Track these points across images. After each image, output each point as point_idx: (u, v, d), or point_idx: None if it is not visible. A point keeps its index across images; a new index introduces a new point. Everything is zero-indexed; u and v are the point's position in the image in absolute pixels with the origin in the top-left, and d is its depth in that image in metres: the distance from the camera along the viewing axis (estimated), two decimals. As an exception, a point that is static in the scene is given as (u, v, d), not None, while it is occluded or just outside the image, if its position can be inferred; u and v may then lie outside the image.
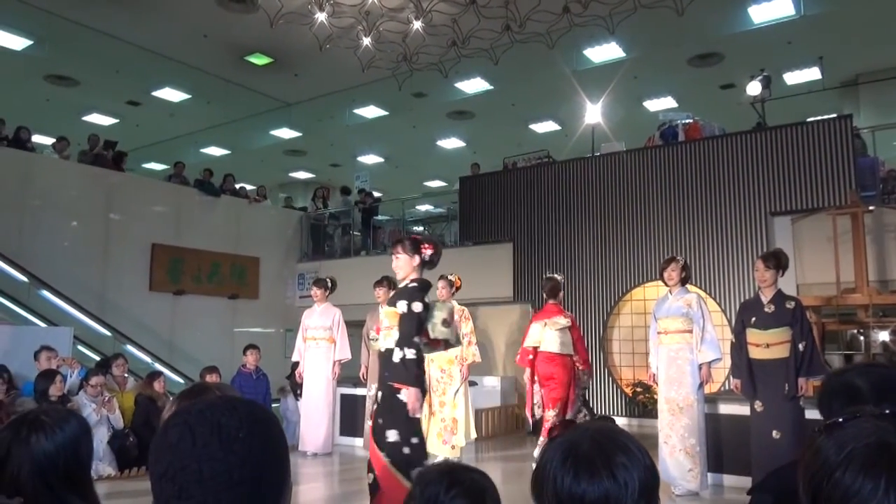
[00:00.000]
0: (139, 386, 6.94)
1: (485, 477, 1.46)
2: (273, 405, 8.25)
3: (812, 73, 11.84)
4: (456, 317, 5.47)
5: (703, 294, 7.73)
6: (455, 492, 1.36)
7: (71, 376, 6.45)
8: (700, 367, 5.24)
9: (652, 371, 5.56)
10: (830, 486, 0.76)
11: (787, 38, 10.79)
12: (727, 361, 5.78)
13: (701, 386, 5.27)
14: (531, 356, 6.42)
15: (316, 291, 7.33)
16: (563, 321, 6.43)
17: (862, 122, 10.30)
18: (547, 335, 6.38)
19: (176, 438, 0.88)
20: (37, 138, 10.92)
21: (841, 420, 0.81)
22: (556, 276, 6.72)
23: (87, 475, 1.61)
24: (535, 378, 6.42)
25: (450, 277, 6.60)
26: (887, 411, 0.82)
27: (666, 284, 5.52)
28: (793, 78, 12.00)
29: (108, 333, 9.68)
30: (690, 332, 5.28)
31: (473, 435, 6.64)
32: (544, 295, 6.77)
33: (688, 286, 5.58)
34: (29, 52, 11.69)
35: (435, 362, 6.52)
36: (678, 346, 5.30)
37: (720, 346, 5.36)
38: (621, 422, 8.91)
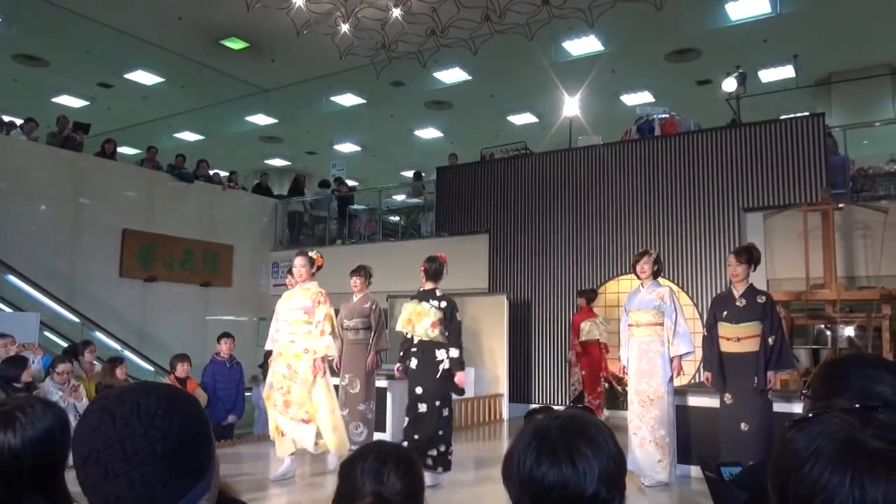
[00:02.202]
0: (100, 374, 6.81)
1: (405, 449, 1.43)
2: (245, 394, 8.18)
3: (786, 72, 12.01)
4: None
5: (675, 287, 7.80)
6: (390, 464, 1.32)
7: (34, 363, 6.33)
8: (672, 359, 5.29)
9: (623, 363, 5.61)
10: (798, 479, 0.77)
11: (762, 35, 10.92)
12: (698, 354, 5.86)
13: (671, 378, 5.33)
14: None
15: (290, 280, 7.26)
16: (602, 319, 8.63)
17: (834, 120, 10.47)
18: (599, 329, 8.47)
19: (97, 422, 0.91)
20: (5, 119, 10.63)
21: (811, 416, 0.82)
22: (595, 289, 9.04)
23: (58, 472, 1.51)
24: (580, 362, 8.44)
25: (311, 255, 5.79)
26: (857, 406, 0.83)
27: (638, 277, 5.57)
28: (768, 76, 12.16)
29: (77, 320, 9.52)
30: (661, 324, 5.33)
31: (347, 446, 5.43)
32: (584, 300, 8.65)
33: (660, 279, 5.63)
34: (-4, 30, 11.39)
35: (282, 356, 5.52)
36: (649, 339, 5.35)
37: (692, 339, 5.43)
38: (593, 413, 8.99)
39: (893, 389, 1.29)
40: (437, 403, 5.10)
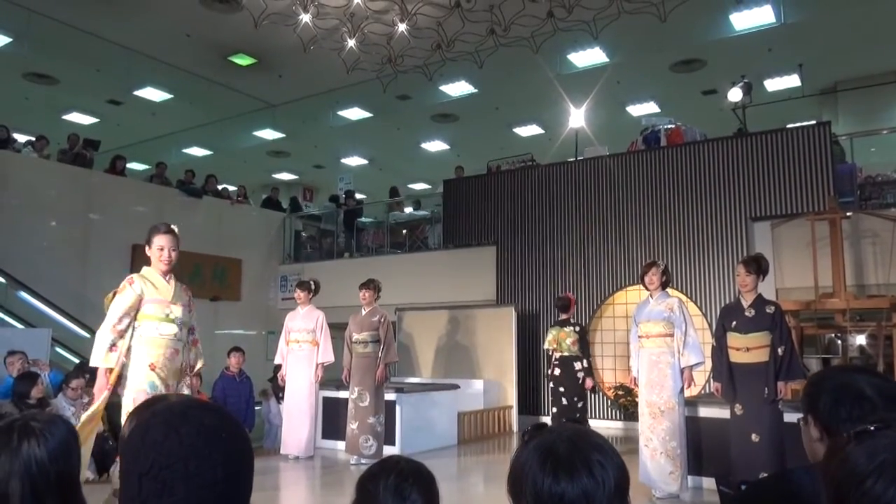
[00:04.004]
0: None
1: (413, 462, 1.45)
2: (255, 408, 8.19)
3: (792, 81, 12.00)
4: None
5: (684, 298, 7.81)
6: (410, 480, 1.33)
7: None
8: (682, 370, 5.28)
9: (633, 374, 5.60)
10: (859, 494, 0.74)
11: (767, 45, 10.93)
12: (708, 365, 5.84)
13: (682, 389, 5.32)
14: None
15: (299, 294, 7.29)
16: None
17: (840, 129, 10.45)
18: None
19: (161, 437, 0.89)
20: (16, 137, 10.75)
21: (872, 429, 0.80)
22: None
23: (76, 483, 1.48)
24: None
25: None
26: None
27: (647, 288, 5.57)
28: (773, 85, 12.16)
29: (88, 335, 9.55)
30: (671, 335, 5.32)
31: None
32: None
33: (669, 290, 5.62)
34: (7, 49, 11.52)
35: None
36: (659, 350, 5.34)
37: (702, 349, 5.41)
38: (603, 424, 8.97)
39: (868, 385, 1.30)
40: (575, 399, 7.06)
